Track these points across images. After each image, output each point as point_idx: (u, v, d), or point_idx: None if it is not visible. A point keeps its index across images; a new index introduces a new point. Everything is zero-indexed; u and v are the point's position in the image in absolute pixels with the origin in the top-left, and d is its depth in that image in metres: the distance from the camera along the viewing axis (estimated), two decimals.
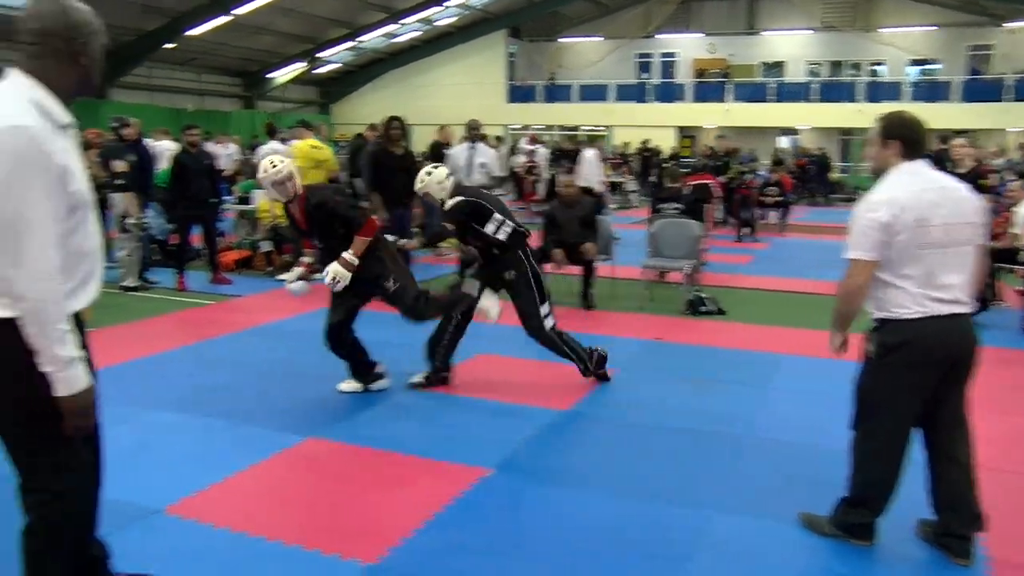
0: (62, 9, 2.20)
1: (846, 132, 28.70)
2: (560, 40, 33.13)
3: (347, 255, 4.85)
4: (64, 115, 2.23)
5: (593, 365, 5.36)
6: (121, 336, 6.69)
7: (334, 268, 4.88)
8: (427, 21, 29.31)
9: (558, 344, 5.30)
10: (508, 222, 5.19)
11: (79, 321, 2.29)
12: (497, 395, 5.25)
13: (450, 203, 5.28)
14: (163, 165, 10.07)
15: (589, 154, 14.37)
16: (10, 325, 2.12)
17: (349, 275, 4.86)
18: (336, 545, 3.28)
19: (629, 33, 31.13)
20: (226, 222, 11.73)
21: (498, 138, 16.07)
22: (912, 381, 3.12)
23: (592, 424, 4.81)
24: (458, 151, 9.15)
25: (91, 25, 2.25)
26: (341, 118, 31.92)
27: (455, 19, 30.34)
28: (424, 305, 5.04)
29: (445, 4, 27.54)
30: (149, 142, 11.27)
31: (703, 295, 7.98)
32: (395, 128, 8.57)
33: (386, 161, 8.45)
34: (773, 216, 15.13)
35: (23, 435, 2.25)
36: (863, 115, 27.08)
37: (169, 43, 23.74)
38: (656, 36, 31.49)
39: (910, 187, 3.04)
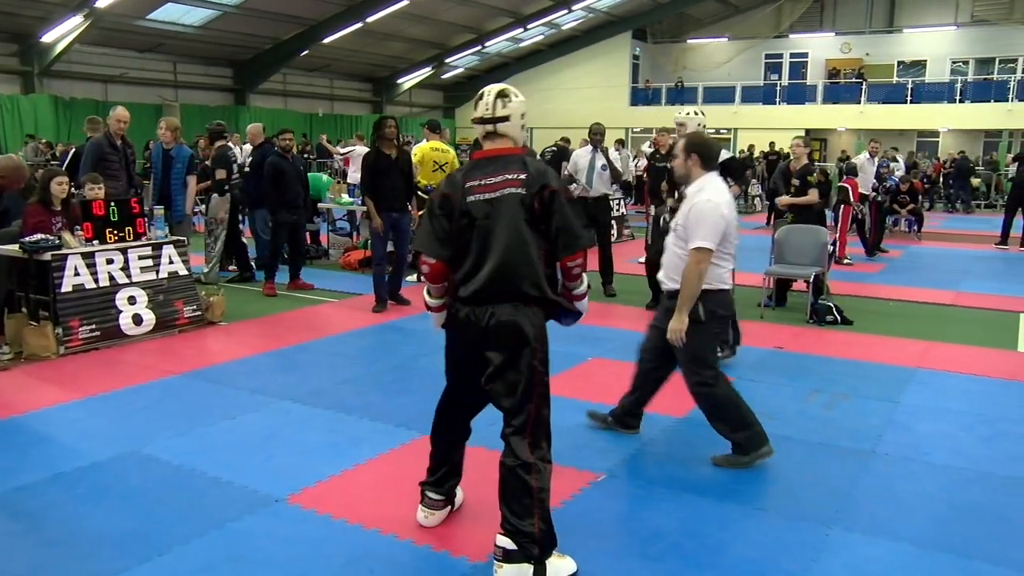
0: None
1: (993, 134, 27.02)
2: (687, 42, 32.61)
3: None
4: None
5: None
6: (251, 330, 7.07)
7: None
8: (552, 25, 29.46)
9: None
10: None
11: None
12: (611, 400, 5.20)
13: None
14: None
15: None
16: None
17: None
18: (446, 542, 3.35)
19: (759, 33, 30.32)
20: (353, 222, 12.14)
21: (620, 141, 15.90)
22: None
23: (709, 431, 4.67)
24: (581, 153, 9.13)
25: None
26: (465, 122, 32.49)
27: (580, 22, 30.39)
28: None
29: (571, 8, 27.60)
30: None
31: (829, 304, 7.68)
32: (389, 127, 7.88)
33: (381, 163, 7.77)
34: (905, 224, 14.42)
35: None
36: (1014, 115, 25.40)
37: (304, 51, 24.81)
38: (787, 36, 30.56)
39: None
